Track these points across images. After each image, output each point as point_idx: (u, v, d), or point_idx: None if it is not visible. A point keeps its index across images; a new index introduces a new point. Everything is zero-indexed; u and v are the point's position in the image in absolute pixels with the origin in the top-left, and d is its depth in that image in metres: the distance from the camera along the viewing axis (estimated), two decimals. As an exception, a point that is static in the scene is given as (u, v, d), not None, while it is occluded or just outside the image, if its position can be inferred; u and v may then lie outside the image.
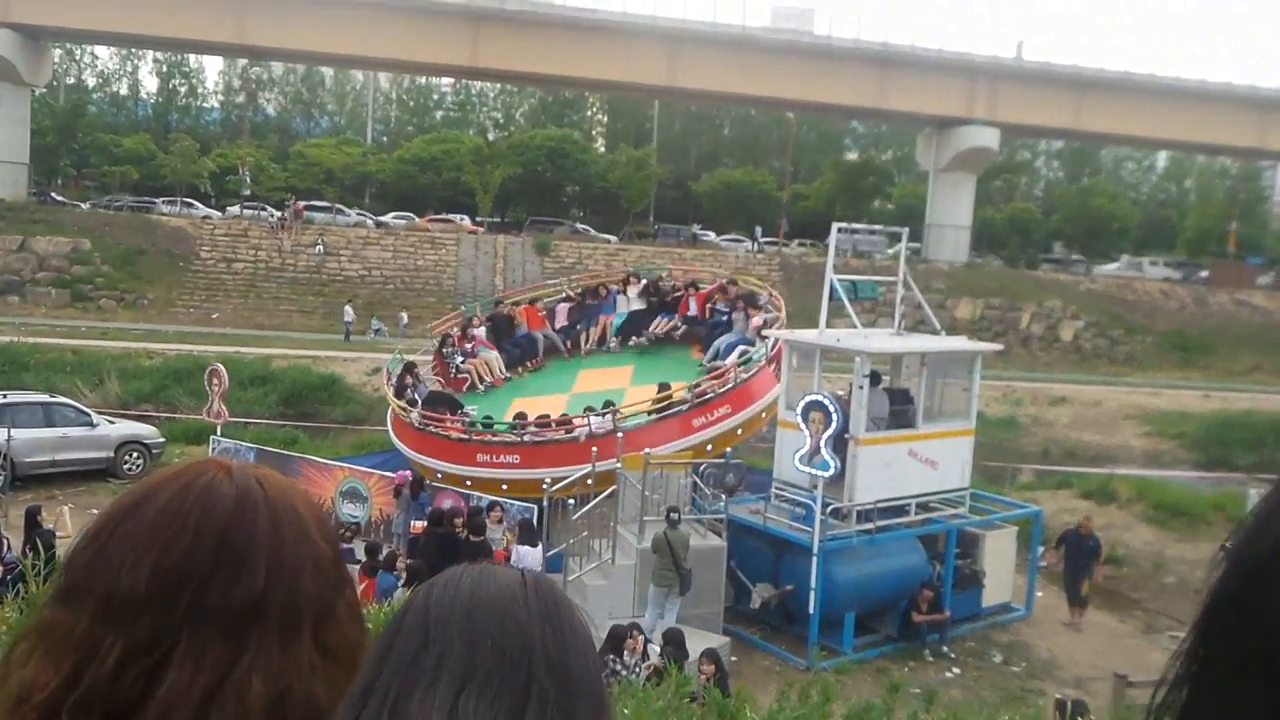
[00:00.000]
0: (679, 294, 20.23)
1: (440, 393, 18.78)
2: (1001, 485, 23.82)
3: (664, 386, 16.42)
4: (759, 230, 61.29)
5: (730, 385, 16.40)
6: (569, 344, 20.28)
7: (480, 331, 20.21)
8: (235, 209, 54.01)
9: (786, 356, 15.66)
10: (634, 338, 19.95)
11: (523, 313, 20.43)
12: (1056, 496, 23.06)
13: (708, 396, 16.26)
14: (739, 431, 15.94)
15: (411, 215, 58.72)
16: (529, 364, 19.98)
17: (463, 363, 19.69)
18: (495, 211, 59.36)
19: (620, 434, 15.49)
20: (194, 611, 0.98)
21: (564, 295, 21.33)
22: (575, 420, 16.18)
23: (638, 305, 20.34)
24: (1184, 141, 60.91)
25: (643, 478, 14.62)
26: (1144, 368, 47.97)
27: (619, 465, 14.75)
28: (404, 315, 39.44)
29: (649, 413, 16.13)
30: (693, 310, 19.94)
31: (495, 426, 16.67)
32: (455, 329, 20.53)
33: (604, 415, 15.96)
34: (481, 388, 19.13)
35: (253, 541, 1.03)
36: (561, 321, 20.70)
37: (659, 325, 19.84)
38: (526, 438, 16.25)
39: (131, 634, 0.97)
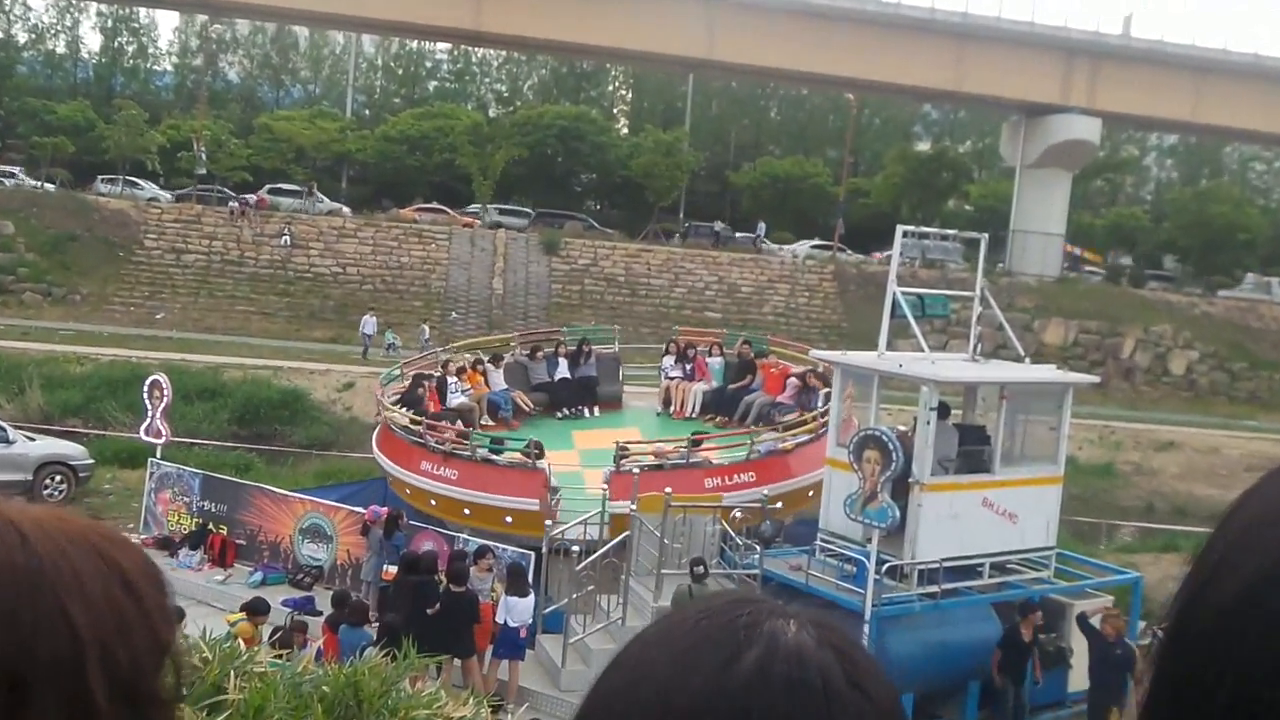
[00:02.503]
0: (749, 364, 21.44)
1: (461, 409, 19.89)
2: (1095, 545, 23.61)
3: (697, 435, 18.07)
4: (800, 243, 61.36)
5: (759, 448, 17.41)
6: (571, 407, 21.87)
7: (499, 372, 21.74)
8: (187, 191, 54.60)
9: (838, 383, 15.67)
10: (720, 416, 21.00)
11: (469, 377, 21.54)
12: (1161, 561, 22.86)
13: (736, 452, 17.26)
14: (767, 505, 15.98)
15: (396, 204, 59.22)
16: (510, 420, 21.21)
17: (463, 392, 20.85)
18: (495, 201, 59.73)
19: (636, 472, 15.51)
20: None
21: (569, 347, 22.66)
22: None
23: (675, 370, 21.96)
24: (1324, 139, 60.66)
25: (662, 523, 14.60)
26: (1271, 409, 47.57)
27: (633, 508, 14.74)
28: (425, 328, 39.36)
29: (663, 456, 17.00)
30: (784, 394, 20.62)
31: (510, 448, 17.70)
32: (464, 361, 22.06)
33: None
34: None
35: None
36: (561, 373, 22.10)
37: (753, 404, 20.45)
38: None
39: None
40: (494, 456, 17.80)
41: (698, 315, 47.53)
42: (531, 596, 14.04)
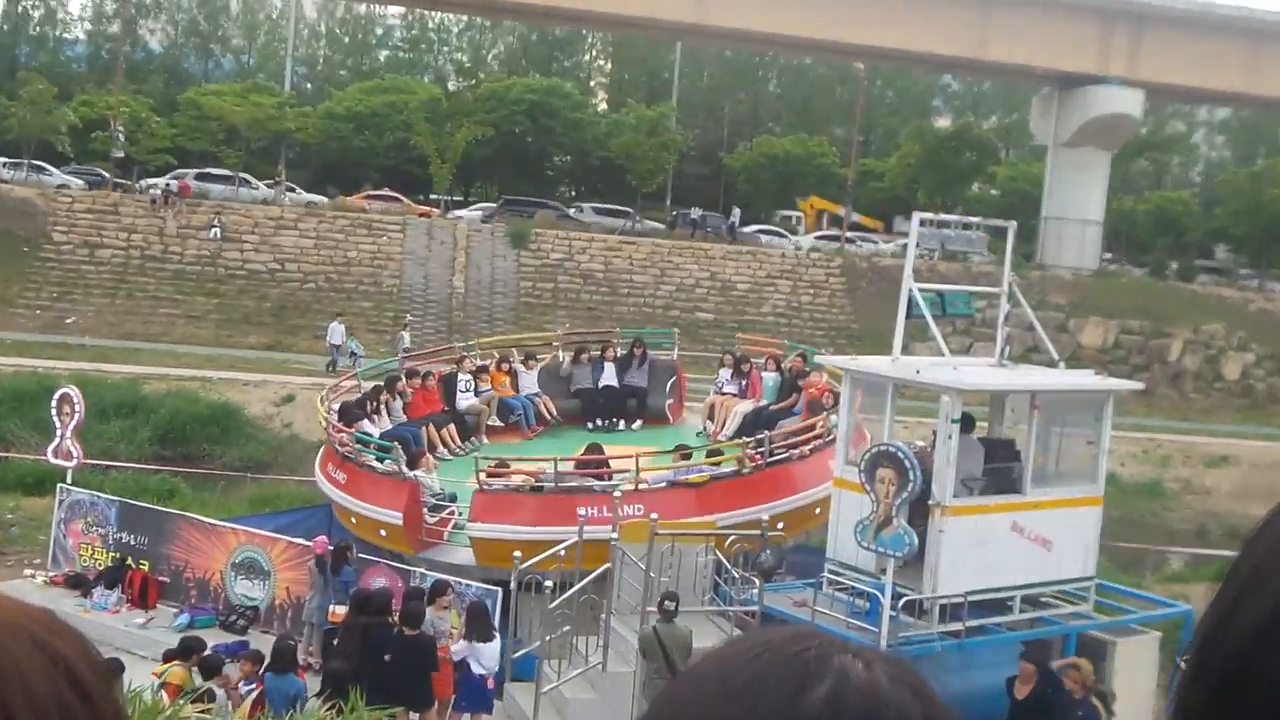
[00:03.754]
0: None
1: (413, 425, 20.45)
2: (1139, 575, 23.70)
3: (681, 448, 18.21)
4: (798, 219, 61.62)
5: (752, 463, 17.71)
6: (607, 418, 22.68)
7: (530, 373, 22.69)
8: (103, 177, 54.39)
9: (847, 393, 15.69)
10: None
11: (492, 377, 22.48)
12: (1214, 593, 22.93)
13: (725, 470, 17.50)
14: (766, 527, 16.05)
15: (342, 191, 59.14)
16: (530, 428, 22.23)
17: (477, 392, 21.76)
18: (456, 187, 59.78)
19: (619, 494, 15.51)
20: None
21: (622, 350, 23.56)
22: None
23: (730, 385, 22.46)
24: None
25: (648, 553, 14.59)
26: (1338, 419, 47.85)
27: (615, 537, 14.73)
28: (405, 336, 39.27)
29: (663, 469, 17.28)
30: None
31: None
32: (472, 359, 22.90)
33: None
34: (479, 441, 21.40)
35: None
36: (606, 379, 22.88)
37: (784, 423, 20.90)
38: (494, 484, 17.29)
39: None
40: (374, 463, 18.33)
41: (687, 316, 47.64)
42: (497, 640, 13.99)
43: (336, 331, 39.51)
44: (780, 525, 16.25)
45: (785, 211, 66.52)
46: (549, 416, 22.27)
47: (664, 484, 17.43)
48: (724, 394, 22.41)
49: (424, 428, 20.43)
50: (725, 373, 22.80)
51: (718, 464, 18.02)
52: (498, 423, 21.77)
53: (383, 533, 17.47)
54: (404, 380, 21.35)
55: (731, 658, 1.07)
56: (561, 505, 16.66)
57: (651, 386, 23.05)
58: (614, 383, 22.90)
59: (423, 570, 16.18)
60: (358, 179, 63.95)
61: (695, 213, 59.56)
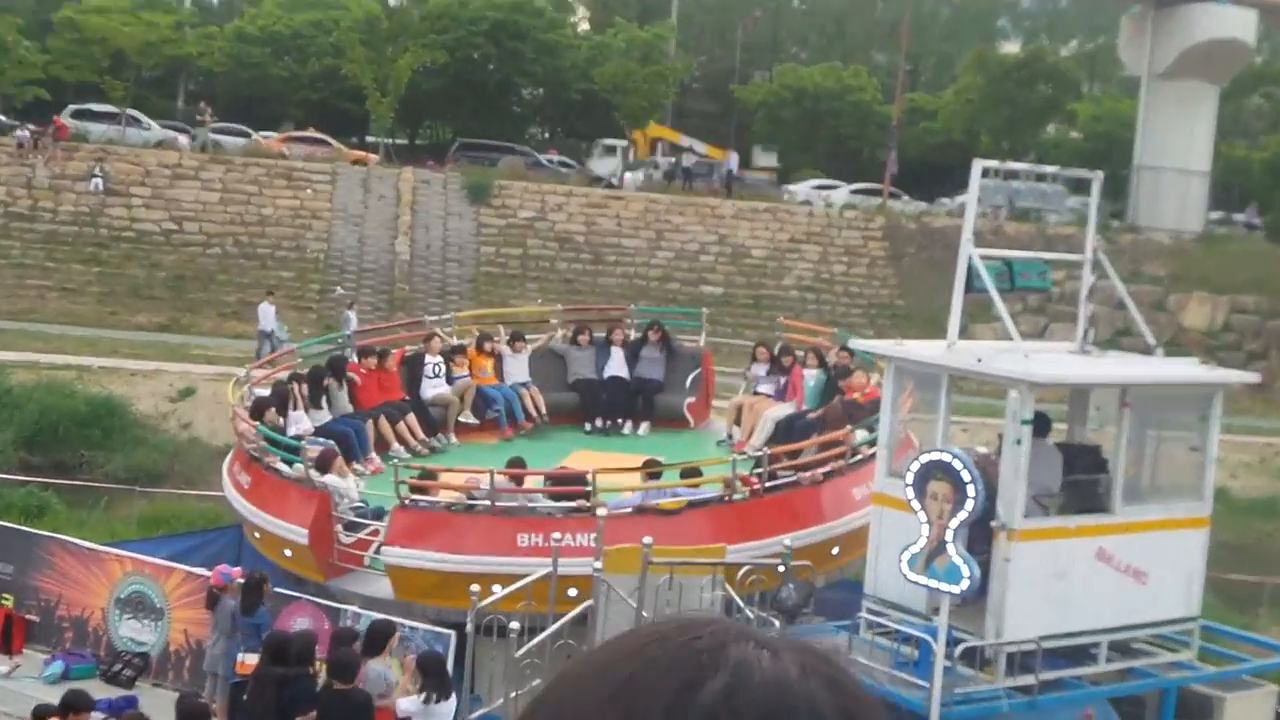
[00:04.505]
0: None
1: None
2: (1253, 614, 23.65)
3: (651, 463, 18.21)
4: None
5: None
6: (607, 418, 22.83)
7: (519, 357, 22.91)
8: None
9: (891, 387, 15.67)
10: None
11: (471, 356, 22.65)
12: (1350, 637, 22.96)
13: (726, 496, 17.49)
14: (789, 555, 16.04)
15: (256, 132, 58.93)
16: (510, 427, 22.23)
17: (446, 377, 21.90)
18: (399, 128, 59.57)
19: (601, 517, 15.46)
20: None
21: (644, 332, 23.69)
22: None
23: (766, 384, 22.53)
24: None
25: (639, 587, 14.56)
26: None
27: (597, 567, 14.69)
28: (352, 316, 39.17)
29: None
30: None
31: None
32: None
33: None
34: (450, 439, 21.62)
35: None
36: (613, 369, 22.98)
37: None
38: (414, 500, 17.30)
39: None
40: (281, 466, 18.39)
41: (689, 290, 47.66)
42: (453, 699, 13.95)
43: (267, 314, 38.67)
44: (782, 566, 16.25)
45: (608, 140, 63.76)
46: (536, 414, 22.27)
47: (628, 509, 17.31)
48: (758, 394, 22.40)
49: (373, 421, 20.42)
50: (759, 368, 22.75)
51: (696, 486, 17.92)
52: (472, 419, 21.76)
53: (288, 553, 17.58)
54: (356, 360, 21.30)
55: (614, 652, 1.13)
56: (498, 529, 16.71)
57: (669, 380, 23.06)
58: (622, 373, 22.92)
59: (356, 609, 16.11)
60: (275, 117, 63.71)
61: (693, 150, 59.27)
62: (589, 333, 23.46)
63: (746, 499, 17.76)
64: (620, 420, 22.70)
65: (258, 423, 18.95)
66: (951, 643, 13.99)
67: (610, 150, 61.92)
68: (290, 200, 49.51)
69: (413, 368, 21.80)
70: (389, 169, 53.30)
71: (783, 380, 22.22)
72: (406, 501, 16.99)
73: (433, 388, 21.69)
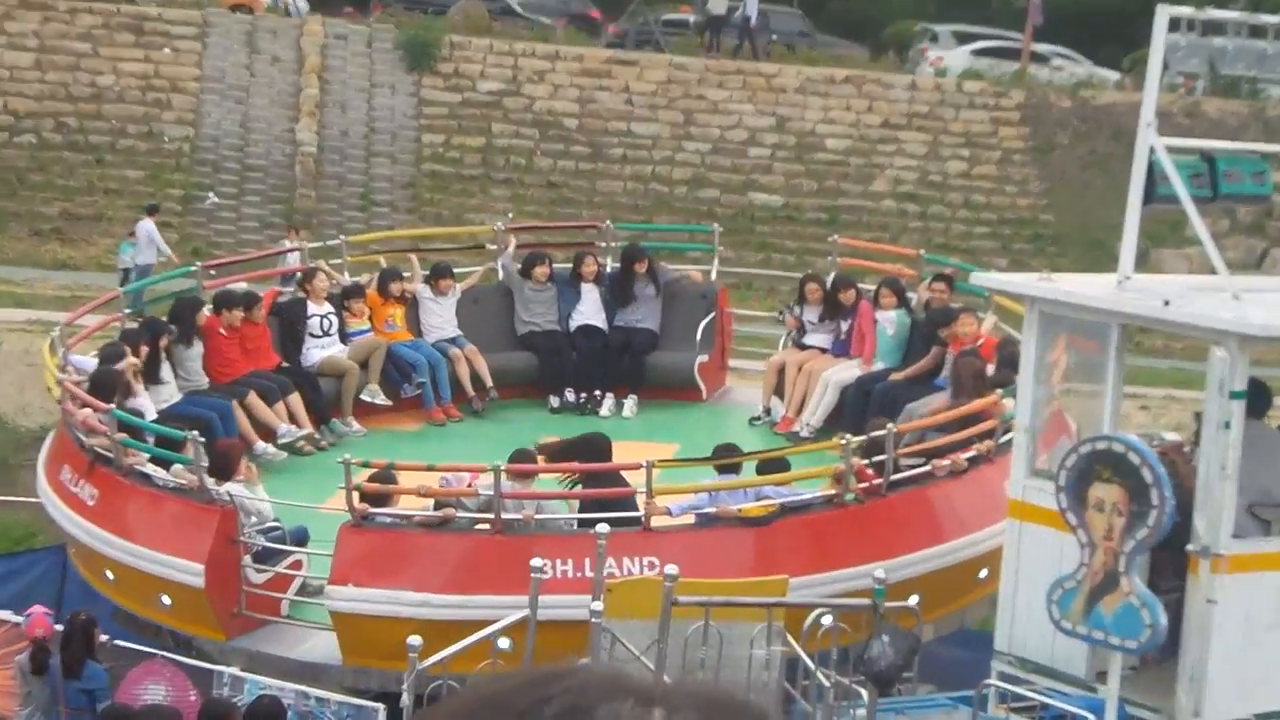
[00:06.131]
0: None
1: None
2: None
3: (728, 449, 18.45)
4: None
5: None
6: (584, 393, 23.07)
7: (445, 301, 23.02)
8: None
9: (1034, 343, 15.69)
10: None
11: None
12: None
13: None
14: (883, 592, 16.11)
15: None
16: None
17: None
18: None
19: (602, 540, 15.47)
20: None
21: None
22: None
23: (819, 334, 22.84)
24: None
25: (659, 639, 14.57)
26: None
27: (595, 609, 14.67)
28: (211, 195, 38.92)
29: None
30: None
31: None
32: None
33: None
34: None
35: None
36: (582, 315, 23.25)
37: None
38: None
39: None
40: (150, 468, 18.35)
41: (731, 200, 47.63)
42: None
43: (147, 236, 38.70)
44: (914, 600, 16.20)
45: None
46: (478, 386, 22.39)
47: (691, 518, 17.45)
48: (805, 347, 22.44)
49: (237, 401, 20.37)
50: (808, 312, 22.90)
51: (787, 484, 18.03)
52: (381, 397, 21.80)
53: (166, 600, 17.49)
54: (207, 311, 21.33)
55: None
56: (505, 554, 16.69)
57: (668, 332, 23.19)
58: (598, 322, 23.08)
59: (234, 672, 16.12)
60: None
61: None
62: (547, 264, 23.47)
63: (863, 502, 17.90)
64: (599, 392, 22.89)
65: (111, 405, 18.60)
66: (1126, 724, 13.99)
67: None
68: (140, 64, 49.64)
69: (288, 321, 21.77)
70: (286, 19, 53.31)
71: (844, 327, 22.34)
72: (361, 518, 16.94)
73: (320, 350, 21.69)
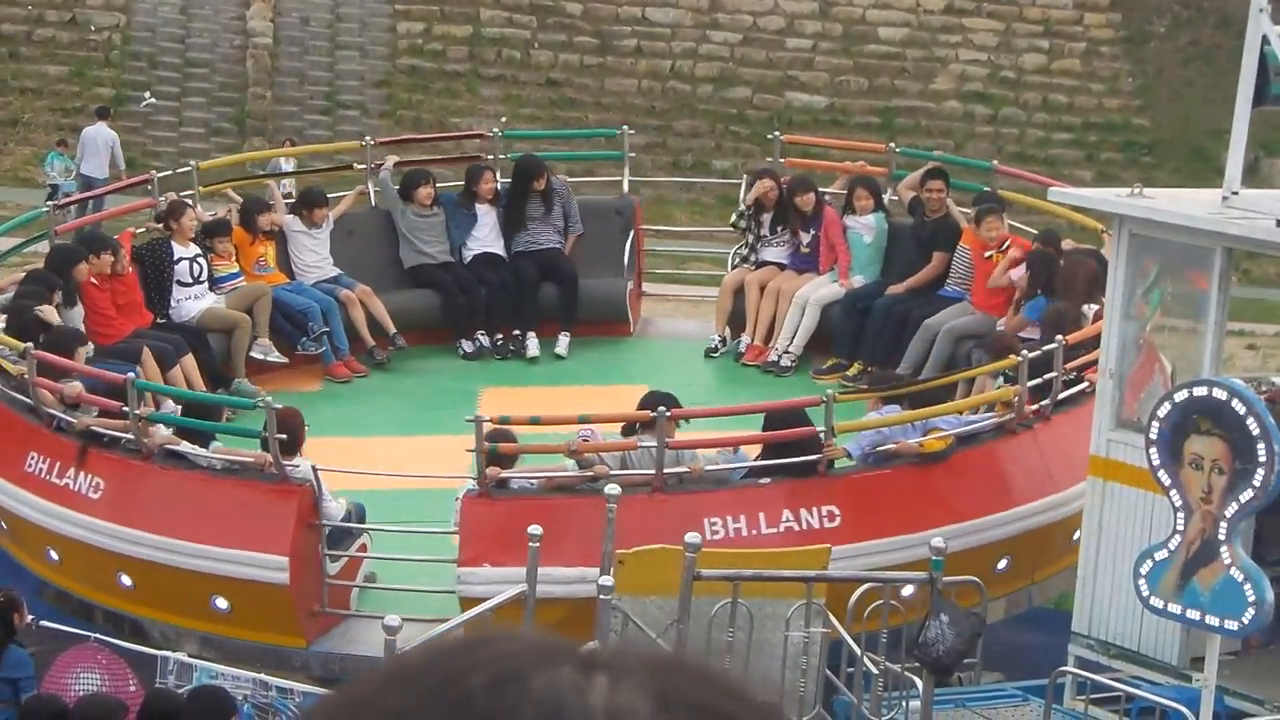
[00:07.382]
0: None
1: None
2: None
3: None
4: None
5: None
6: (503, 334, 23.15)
7: (318, 234, 22.95)
8: None
9: (1124, 269, 15.73)
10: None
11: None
12: None
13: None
14: (939, 578, 16.20)
15: None
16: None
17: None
18: None
19: (613, 503, 15.68)
20: None
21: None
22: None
23: (774, 247, 23.01)
24: None
25: (678, 619, 14.71)
26: None
27: (604, 584, 14.81)
28: (148, 96, 39.05)
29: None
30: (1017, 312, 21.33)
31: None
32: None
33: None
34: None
35: None
36: (479, 241, 23.34)
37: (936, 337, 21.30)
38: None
39: None
40: (188, 449, 18.22)
41: (766, 100, 47.61)
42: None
43: (105, 143, 39.09)
44: (1003, 564, 16.29)
45: None
46: (377, 334, 22.47)
47: (870, 455, 17.75)
48: (759, 264, 22.72)
49: (139, 367, 20.16)
50: (761, 217, 23.00)
51: (961, 413, 18.48)
52: (275, 357, 21.85)
53: (221, 604, 17.34)
54: (89, 258, 21.21)
55: (347, 702, 1.24)
56: (674, 513, 16.90)
57: (585, 255, 23.37)
58: (497, 249, 23.16)
59: (180, 658, 16.29)
60: None
61: None
62: (431, 183, 23.48)
63: (1030, 425, 18.21)
64: (520, 332, 22.92)
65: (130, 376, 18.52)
66: (1225, 718, 14.13)
67: None
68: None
69: (152, 267, 21.69)
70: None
71: (807, 236, 22.54)
72: (488, 484, 17.06)
73: (193, 301, 21.64)
